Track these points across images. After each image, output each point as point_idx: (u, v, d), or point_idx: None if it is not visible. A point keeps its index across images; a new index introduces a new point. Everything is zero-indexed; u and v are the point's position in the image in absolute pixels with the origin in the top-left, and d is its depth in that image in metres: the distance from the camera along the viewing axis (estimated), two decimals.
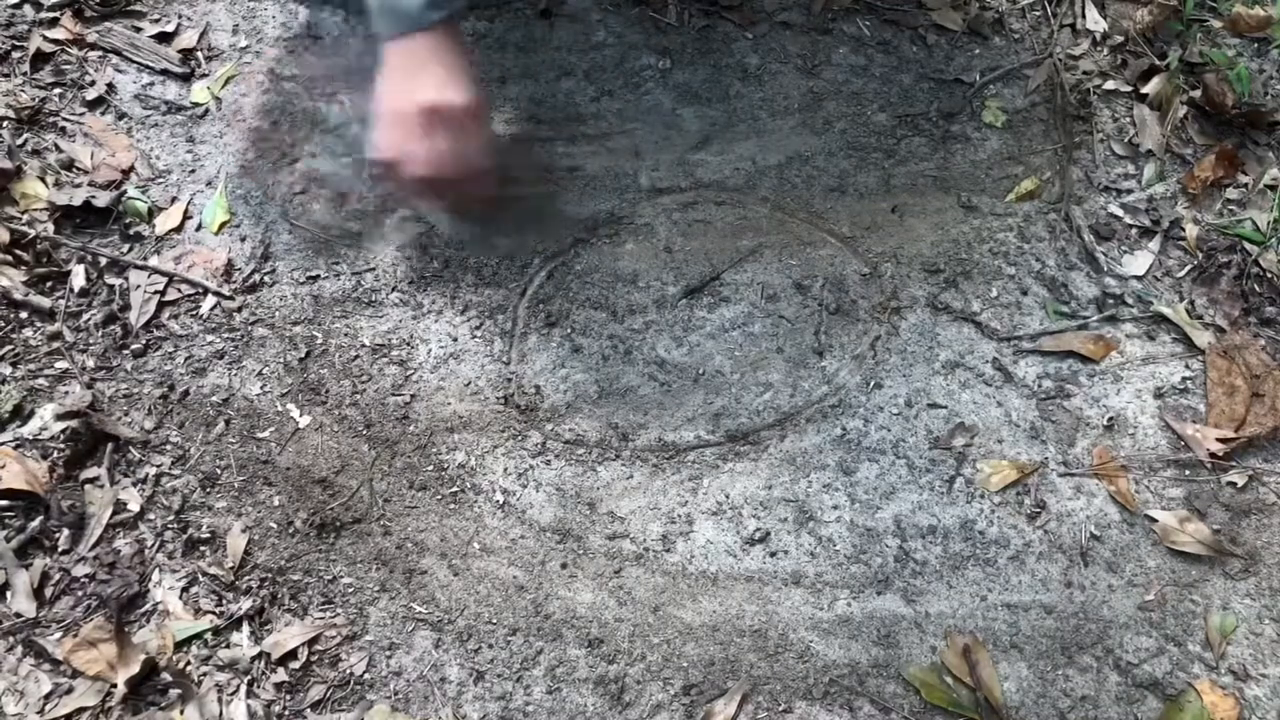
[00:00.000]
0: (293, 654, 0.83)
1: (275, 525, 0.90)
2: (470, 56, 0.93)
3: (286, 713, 0.81)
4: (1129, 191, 1.12)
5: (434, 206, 1.01)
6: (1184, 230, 1.09)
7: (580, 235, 1.06)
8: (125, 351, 0.97)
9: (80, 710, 0.79)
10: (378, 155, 0.91)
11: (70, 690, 0.80)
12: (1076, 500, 0.93)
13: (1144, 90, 1.18)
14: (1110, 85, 1.20)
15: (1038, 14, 1.26)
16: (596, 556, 0.89)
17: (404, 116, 0.89)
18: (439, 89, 0.89)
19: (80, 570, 0.85)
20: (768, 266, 1.05)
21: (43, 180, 1.05)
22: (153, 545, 0.87)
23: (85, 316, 0.99)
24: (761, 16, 1.23)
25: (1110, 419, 0.98)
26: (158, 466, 0.91)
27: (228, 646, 0.83)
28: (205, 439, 0.93)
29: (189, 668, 0.82)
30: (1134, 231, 1.10)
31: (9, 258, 0.99)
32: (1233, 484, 0.94)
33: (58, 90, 1.12)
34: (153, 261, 1.02)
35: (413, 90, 0.89)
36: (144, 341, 0.98)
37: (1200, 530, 0.91)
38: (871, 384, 0.99)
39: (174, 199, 1.07)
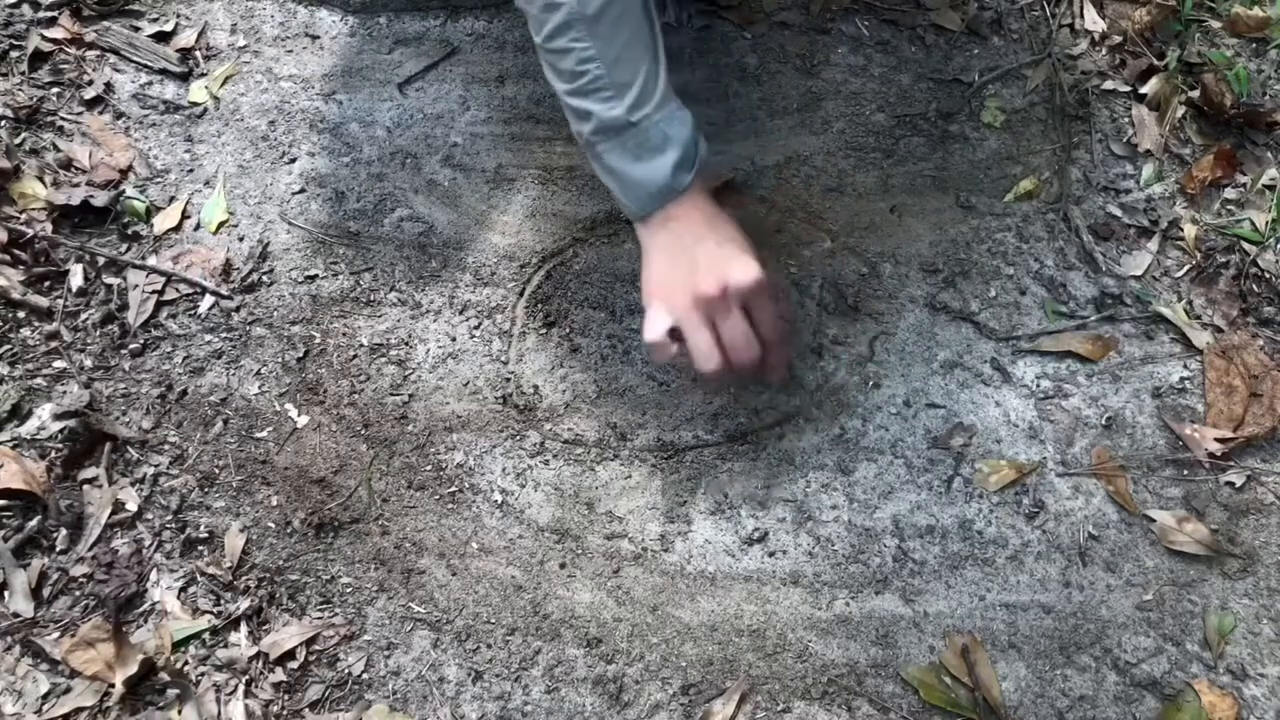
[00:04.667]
0: (291, 654, 0.83)
1: (273, 525, 0.89)
2: (730, 212, 0.87)
3: (285, 712, 0.81)
4: (1127, 191, 1.13)
5: (722, 387, 0.92)
6: (1182, 230, 1.09)
7: (579, 235, 1.06)
8: (123, 351, 0.97)
9: (78, 710, 0.79)
10: (655, 350, 0.85)
11: (68, 690, 0.80)
12: (1075, 500, 0.93)
13: (1142, 90, 1.18)
14: (1109, 85, 1.20)
15: (1036, 14, 1.26)
16: (595, 556, 0.89)
17: (682, 312, 0.82)
18: (721, 268, 0.81)
19: (78, 570, 0.85)
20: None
21: (41, 180, 1.05)
22: (151, 545, 0.87)
23: (83, 316, 0.99)
24: (760, 16, 1.23)
25: (1108, 419, 0.98)
26: (156, 466, 0.91)
27: (226, 646, 0.83)
28: (203, 439, 0.93)
29: (187, 668, 0.82)
30: (1132, 231, 1.10)
31: (7, 257, 0.99)
32: (1231, 484, 0.94)
33: (55, 89, 1.12)
34: (151, 261, 1.02)
35: (689, 277, 0.81)
36: (142, 341, 0.98)
37: (1198, 530, 0.91)
38: (870, 384, 0.99)
39: (172, 198, 1.07)
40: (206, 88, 1.15)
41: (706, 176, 0.86)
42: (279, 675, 0.82)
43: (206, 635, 0.83)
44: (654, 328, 0.84)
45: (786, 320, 0.87)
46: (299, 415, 0.95)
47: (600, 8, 0.79)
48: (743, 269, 0.82)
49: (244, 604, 0.85)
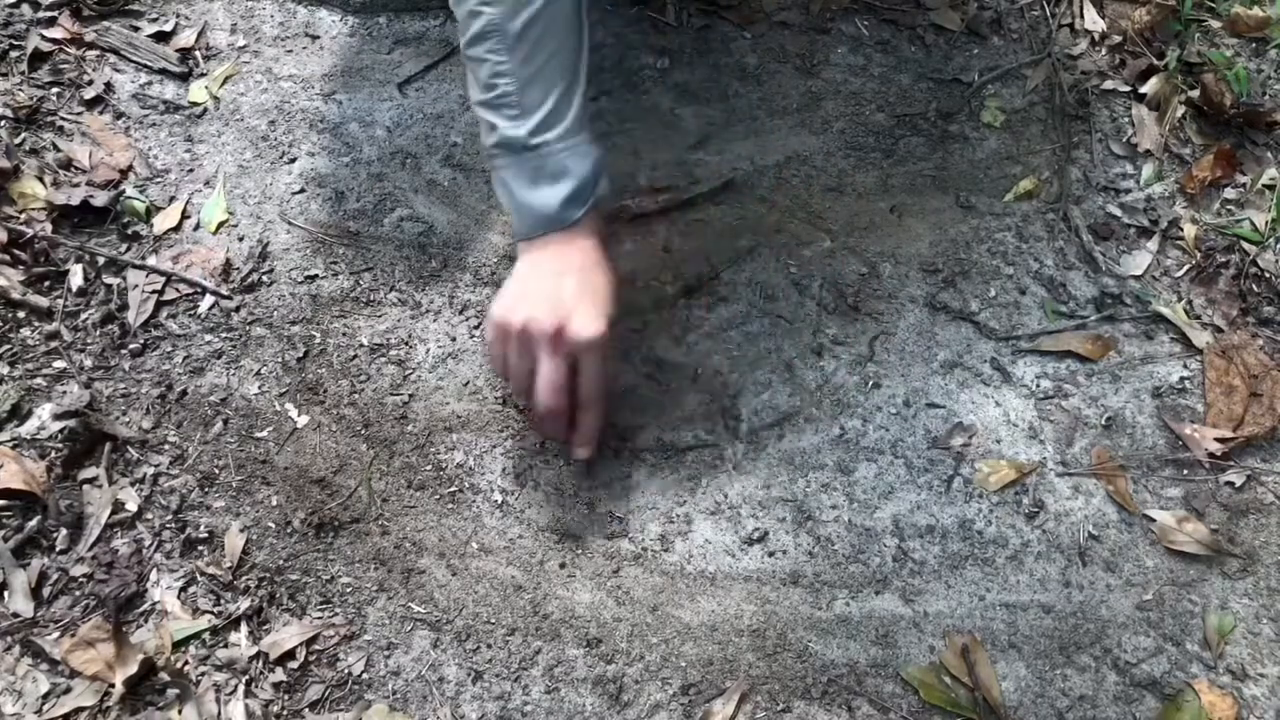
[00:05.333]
0: (291, 654, 0.83)
1: (273, 525, 0.89)
2: (609, 260, 0.86)
3: (285, 712, 0.81)
4: (1127, 191, 1.13)
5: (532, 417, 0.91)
6: (1182, 230, 1.09)
7: None
8: (123, 351, 0.97)
9: (78, 710, 0.79)
10: (488, 349, 0.86)
11: (68, 690, 0.80)
12: (1075, 500, 0.93)
13: (1142, 90, 1.19)
14: (1108, 85, 1.20)
15: (1036, 14, 1.26)
16: (595, 556, 0.89)
17: (511, 333, 0.82)
18: (565, 313, 0.80)
19: (78, 570, 0.85)
20: (766, 266, 1.05)
21: (40, 180, 1.05)
22: (151, 545, 0.87)
23: (83, 316, 0.99)
24: (760, 16, 1.23)
25: (1108, 419, 0.98)
26: (156, 466, 0.91)
27: (226, 646, 0.83)
28: (203, 439, 0.93)
29: (187, 667, 0.82)
30: (1132, 231, 1.10)
31: (6, 257, 0.99)
32: (1231, 484, 0.94)
33: (55, 89, 1.12)
34: (151, 261, 1.02)
35: (534, 305, 0.81)
36: (142, 341, 0.98)
37: (1198, 530, 0.91)
38: (870, 384, 0.99)
39: (172, 198, 1.07)
40: (206, 88, 1.15)
41: (596, 216, 0.86)
42: (279, 675, 0.82)
43: (206, 635, 0.83)
44: (488, 335, 0.86)
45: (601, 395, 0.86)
46: (299, 415, 0.95)
47: (523, 25, 0.78)
48: (584, 323, 0.80)
49: (244, 604, 0.85)
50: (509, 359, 0.84)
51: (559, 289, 0.81)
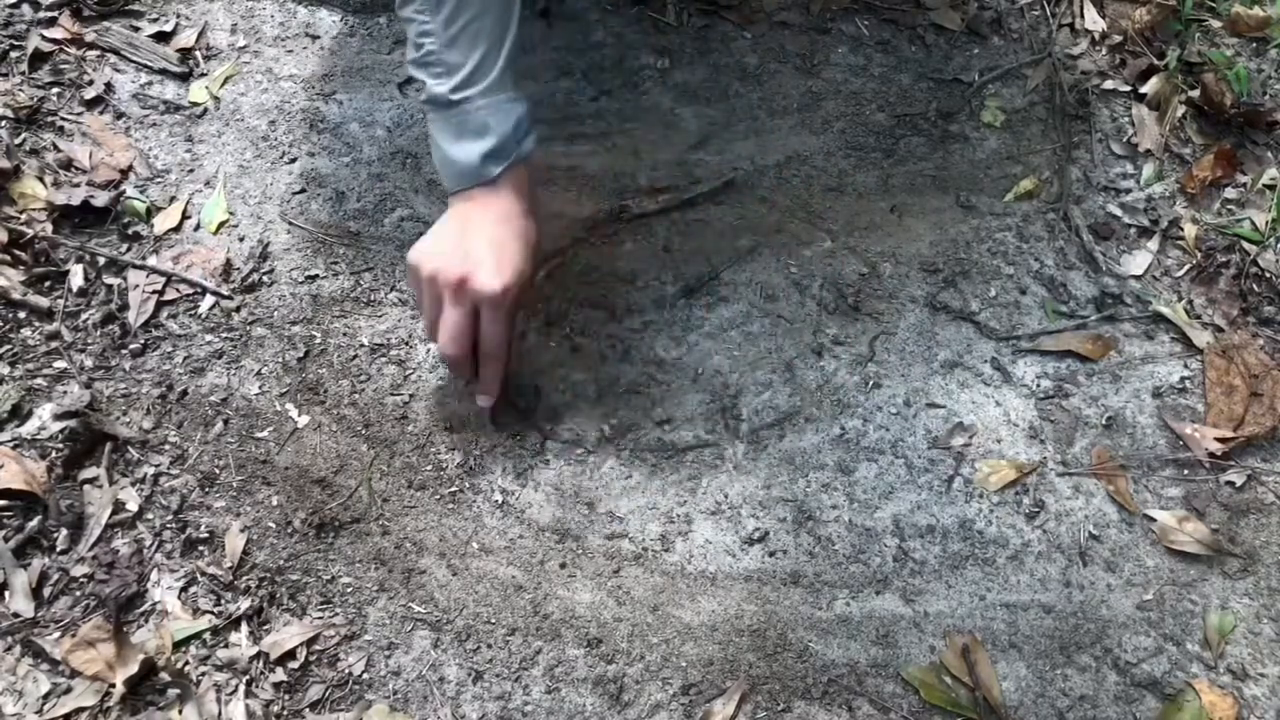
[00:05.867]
0: (291, 654, 0.83)
1: (274, 525, 0.89)
2: (533, 217, 0.87)
3: (285, 712, 0.81)
4: (1128, 191, 1.13)
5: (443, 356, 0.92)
6: (1182, 230, 1.09)
7: (579, 235, 1.06)
8: (124, 351, 0.97)
9: (79, 710, 0.79)
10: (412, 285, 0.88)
11: (69, 690, 0.80)
12: (1075, 500, 0.93)
13: (1143, 90, 1.19)
14: (1109, 85, 1.20)
15: (1036, 14, 1.26)
16: (595, 556, 0.89)
17: (421, 277, 0.84)
18: (471, 265, 0.82)
19: (79, 570, 0.85)
20: (766, 266, 1.05)
21: (41, 180, 1.05)
22: (151, 545, 0.87)
23: (84, 316, 0.99)
24: (760, 16, 1.23)
25: (1109, 418, 0.98)
26: (156, 466, 0.91)
27: (226, 646, 0.83)
28: (204, 439, 0.93)
29: (187, 668, 0.82)
30: (1132, 231, 1.10)
31: (7, 257, 0.99)
32: (1231, 483, 0.94)
33: (56, 90, 1.12)
34: (151, 261, 1.02)
35: (445, 255, 0.83)
36: (142, 341, 0.98)
37: (1199, 530, 0.91)
38: (870, 384, 0.99)
39: (172, 199, 1.07)
40: (206, 88, 1.15)
41: (529, 172, 0.88)
42: (279, 675, 0.82)
43: (207, 635, 0.83)
44: (412, 283, 0.88)
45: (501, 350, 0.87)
46: (299, 415, 0.95)
47: None
48: (487, 278, 0.82)
49: (244, 604, 0.85)
50: (421, 301, 0.87)
51: (470, 243, 0.84)
